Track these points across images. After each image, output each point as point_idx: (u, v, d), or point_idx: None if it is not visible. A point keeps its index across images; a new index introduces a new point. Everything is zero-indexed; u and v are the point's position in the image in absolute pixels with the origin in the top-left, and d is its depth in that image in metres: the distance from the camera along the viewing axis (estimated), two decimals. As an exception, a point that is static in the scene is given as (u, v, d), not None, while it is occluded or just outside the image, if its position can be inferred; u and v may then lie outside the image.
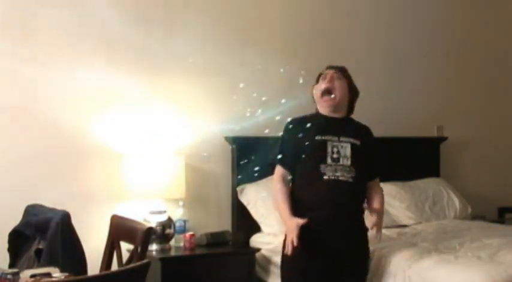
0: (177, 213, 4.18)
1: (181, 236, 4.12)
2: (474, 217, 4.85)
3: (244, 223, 4.33)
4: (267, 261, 4.08)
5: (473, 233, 4.07)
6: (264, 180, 4.35)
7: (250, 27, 4.59)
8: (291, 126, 3.45)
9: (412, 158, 5.01)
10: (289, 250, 3.16)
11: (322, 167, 3.28)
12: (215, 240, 4.17)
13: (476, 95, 5.50)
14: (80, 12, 4.05)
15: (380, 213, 3.35)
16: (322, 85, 3.40)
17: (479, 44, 5.51)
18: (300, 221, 3.15)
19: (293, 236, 3.13)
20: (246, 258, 4.06)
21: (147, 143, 4.19)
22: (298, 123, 3.43)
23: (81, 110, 4.05)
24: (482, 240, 3.81)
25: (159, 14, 4.29)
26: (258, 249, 4.12)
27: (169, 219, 4.07)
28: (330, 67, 3.48)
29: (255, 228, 4.30)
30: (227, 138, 4.44)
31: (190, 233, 4.12)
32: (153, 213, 4.03)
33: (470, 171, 5.41)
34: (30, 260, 2.93)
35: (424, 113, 5.24)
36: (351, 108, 3.50)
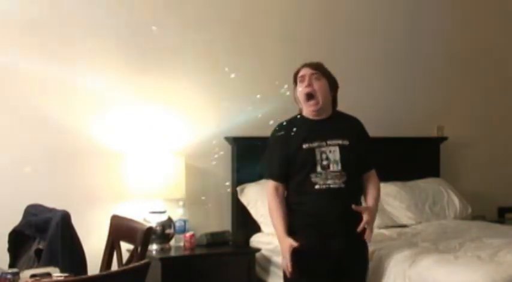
0: (177, 213, 4.18)
1: (181, 236, 4.12)
2: (474, 217, 4.86)
3: (244, 223, 4.33)
4: (267, 261, 4.09)
5: (473, 233, 4.07)
6: (264, 180, 4.34)
7: (251, 27, 4.59)
8: (277, 135, 3.41)
9: (412, 158, 5.01)
10: (288, 274, 3.22)
11: (313, 176, 3.26)
12: (215, 240, 4.17)
13: (476, 95, 5.50)
14: (80, 13, 4.05)
15: (371, 211, 3.30)
16: (304, 89, 3.34)
17: (479, 44, 5.51)
18: (293, 244, 3.18)
19: (287, 262, 3.20)
20: (246, 258, 4.06)
21: (147, 143, 4.19)
22: (284, 130, 3.39)
23: (81, 110, 4.05)
24: (482, 240, 3.81)
25: (159, 15, 4.29)
26: (258, 249, 4.12)
27: (169, 219, 4.07)
28: (306, 65, 3.42)
29: (255, 228, 4.30)
30: (227, 138, 4.44)
31: (190, 233, 4.12)
32: (153, 213, 4.03)
33: (470, 171, 5.41)
34: (30, 260, 2.93)
35: (424, 113, 5.24)
36: (334, 102, 3.45)
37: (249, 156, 4.40)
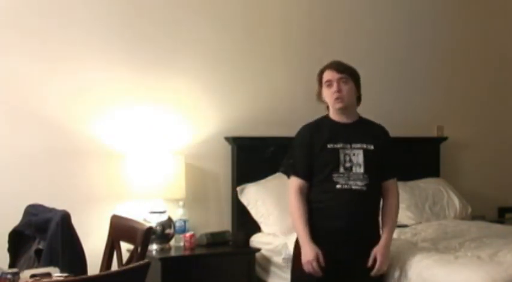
0: (177, 213, 4.18)
1: (181, 236, 4.12)
2: (474, 217, 4.85)
3: (244, 223, 4.33)
4: (267, 261, 4.09)
5: (473, 233, 4.07)
6: (263, 180, 4.35)
7: (251, 27, 4.60)
8: (302, 134, 3.41)
9: (412, 158, 5.01)
10: (318, 273, 3.17)
11: (335, 176, 3.25)
12: (215, 240, 4.17)
13: (476, 95, 5.50)
14: (80, 13, 4.05)
15: (383, 252, 3.24)
16: (333, 94, 3.31)
17: (479, 44, 5.51)
18: (319, 254, 3.16)
19: (314, 268, 3.16)
20: (246, 258, 4.06)
21: (147, 143, 4.19)
22: (309, 131, 3.39)
23: (81, 110, 4.05)
24: (482, 240, 3.81)
25: (159, 14, 4.29)
26: (258, 249, 4.12)
27: (169, 219, 4.07)
28: (331, 67, 3.38)
29: (255, 228, 4.30)
30: (227, 138, 4.44)
31: (190, 233, 4.12)
32: (153, 213, 4.03)
33: (470, 171, 5.41)
34: (30, 260, 2.93)
35: (424, 113, 5.24)
36: (359, 100, 3.44)
37: (249, 156, 4.40)
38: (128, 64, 4.16)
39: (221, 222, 4.42)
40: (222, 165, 4.45)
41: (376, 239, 3.29)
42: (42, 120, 3.94)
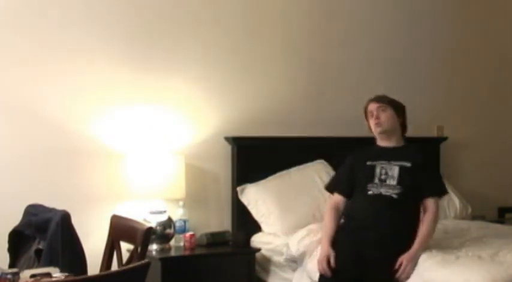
0: (177, 213, 4.18)
1: (181, 236, 4.12)
2: (474, 217, 4.85)
3: (244, 223, 4.33)
4: (267, 261, 4.09)
5: (473, 233, 4.07)
6: (264, 181, 4.35)
7: (251, 27, 4.59)
8: (349, 157, 3.77)
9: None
10: (326, 272, 3.44)
11: (369, 185, 3.55)
12: (215, 240, 4.17)
13: (476, 95, 5.50)
14: (80, 12, 4.05)
15: (410, 258, 3.33)
16: (373, 121, 3.68)
17: (479, 44, 5.51)
18: (331, 256, 3.44)
19: (323, 267, 3.43)
20: (246, 258, 4.06)
21: (147, 143, 4.19)
22: (356, 154, 3.75)
23: (81, 110, 4.04)
24: (482, 240, 3.81)
25: (160, 14, 4.29)
26: (258, 249, 4.12)
27: (169, 219, 4.07)
28: (371, 100, 3.73)
29: (255, 228, 4.30)
30: (227, 138, 4.44)
31: (190, 233, 4.12)
32: (153, 213, 4.03)
33: (470, 171, 5.41)
34: (30, 260, 2.93)
35: (424, 113, 5.24)
36: (404, 127, 3.76)
37: (249, 156, 4.40)
38: (127, 64, 4.16)
39: (221, 222, 4.42)
40: (222, 165, 4.45)
41: (404, 247, 3.37)
42: (42, 120, 3.94)
